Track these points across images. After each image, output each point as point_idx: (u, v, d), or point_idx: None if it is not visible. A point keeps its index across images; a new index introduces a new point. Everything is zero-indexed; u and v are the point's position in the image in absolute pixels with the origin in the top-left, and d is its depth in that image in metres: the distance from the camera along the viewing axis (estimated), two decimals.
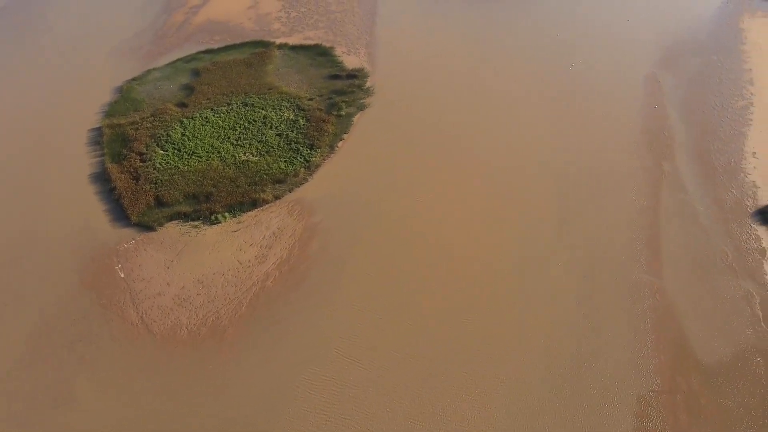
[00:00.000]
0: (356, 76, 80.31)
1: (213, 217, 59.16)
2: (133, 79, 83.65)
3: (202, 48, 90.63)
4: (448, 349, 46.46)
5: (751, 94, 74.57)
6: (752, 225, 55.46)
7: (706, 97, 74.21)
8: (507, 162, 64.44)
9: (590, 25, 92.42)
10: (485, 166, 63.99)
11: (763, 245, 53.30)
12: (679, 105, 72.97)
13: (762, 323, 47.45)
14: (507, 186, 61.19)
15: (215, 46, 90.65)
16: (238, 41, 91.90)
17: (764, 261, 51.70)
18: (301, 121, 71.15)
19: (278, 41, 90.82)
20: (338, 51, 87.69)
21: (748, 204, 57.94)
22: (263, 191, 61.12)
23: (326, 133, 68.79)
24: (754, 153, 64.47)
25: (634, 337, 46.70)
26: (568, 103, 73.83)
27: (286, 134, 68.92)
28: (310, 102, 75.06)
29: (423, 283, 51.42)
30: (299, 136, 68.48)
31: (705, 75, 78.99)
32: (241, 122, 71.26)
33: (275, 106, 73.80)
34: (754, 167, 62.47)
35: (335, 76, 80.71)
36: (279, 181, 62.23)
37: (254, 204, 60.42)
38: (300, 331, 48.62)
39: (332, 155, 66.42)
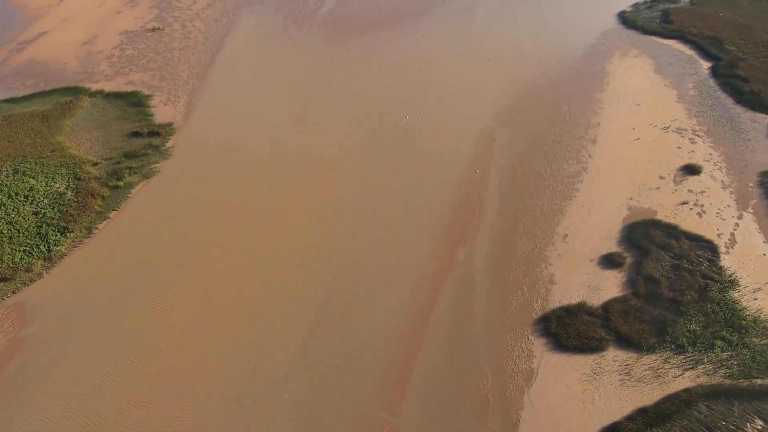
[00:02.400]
0: (159, 133, 71.28)
1: None
2: None
3: (5, 96, 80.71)
4: None
5: (589, 156, 66.72)
6: (530, 336, 47.41)
7: (537, 160, 66.21)
8: (280, 253, 55.71)
9: (446, 66, 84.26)
10: (261, 260, 55.18)
11: (533, 365, 45.24)
12: (504, 170, 64.89)
13: None
14: (266, 289, 52.39)
15: (20, 94, 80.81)
16: (51, 86, 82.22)
17: (527, 389, 43.65)
18: (69, 194, 61.93)
19: (95, 87, 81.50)
20: (156, 100, 78.48)
21: (536, 307, 49.90)
22: None
23: (90, 212, 59.65)
24: (566, 236, 56.49)
25: None
26: (383, 168, 65.54)
27: (44, 213, 59.64)
28: (93, 168, 65.82)
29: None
30: (57, 215, 59.26)
31: (546, 131, 71.04)
32: (1, 197, 61.76)
33: (49, 175, 64.48)
34: (559, 255, 54.47)
35: (136, 134, 71.58)
36: (5, 279, 52.93)
37: None
38: None
39: (86, 241, 57.20)
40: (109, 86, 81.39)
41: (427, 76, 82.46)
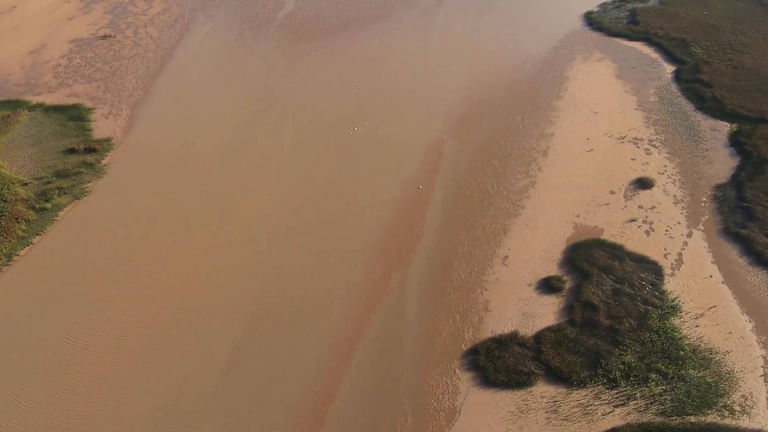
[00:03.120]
0: (95, 149, 68.58)
1: None
2: None
3: None
4: None
5: (539, 169, 64.13)
6: (457, 370, 45.09)
7: (484, 175, 63.64)
8: (206, 282, 53.23)
9: (402, 73, 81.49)
10: (182, 291, 52.66)
11: (457, 403, 42.96)
12: (449, 186, 62.35)
13: None
14: (186, 322, 49.89)
15: None
16: None
17: (447, 430, 41.26)
18: None
19: (36, 100, 78.66)
20: (98, 113, 75.71)
21: (466, 337, 47.56)
22: None
23: (11, 237, 57.11)
24: (506, 258, 54.04)
25: None
26: (324, 186, 63.07)
27: None
28: (22, 189, 63.17)
29: None
30: None
31: (497, 142, 68.39)
32: None
33: None
34: (497, 279, 52.05)
35: (72, 151, 68.84)
36: None
37: None
38: None
39: (5, 269, 54.65)
40: (51, 99, 78.52)
41: (381, 84, 79.66)
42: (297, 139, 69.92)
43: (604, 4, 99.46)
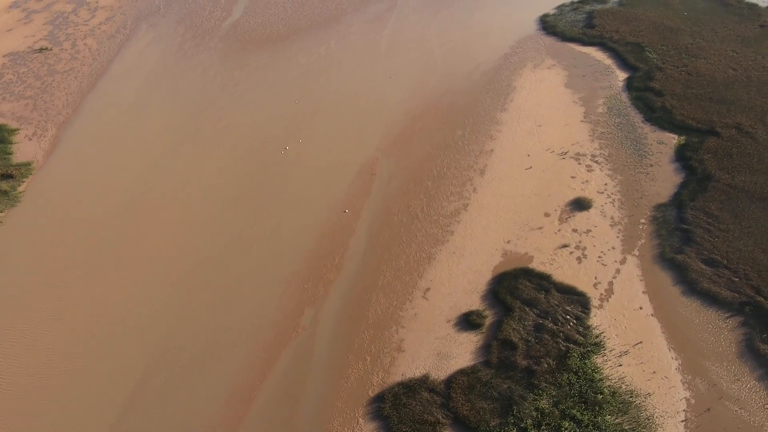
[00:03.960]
0: (13, 175, 65.37)
1: None
2: None
3: None
4: None
5: (474, 190, 61.09)
6: (360, 420, 42.45)
7: (416, 197, 60.60)
8: (112, 321, 50.29)
9: (344, 85, 78.32)
10: (84, 333, 49.72)
11: None
12: (378, 210, 59.34)
13: None
14: (84, 366, 46.97)
15: None
16: None
17: None
18: None
19: None
20: (21, 135, 72.41)
21: (375, 382, 44.83)
22: None
23: None
24: (427, 290, 51.18)
25: None
26: (246, 212, 60.17)
27: None
28: None
29: None
30: None
31: (434, 161, 65.32)
32: None
33: None
34: (415, 314, 49.18)
35: None
36: None
37: None
38: None
39: None
40: None
41: (320, 98, 76.38)
42: (226, 160, 66.77)
43: (562, 6, 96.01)
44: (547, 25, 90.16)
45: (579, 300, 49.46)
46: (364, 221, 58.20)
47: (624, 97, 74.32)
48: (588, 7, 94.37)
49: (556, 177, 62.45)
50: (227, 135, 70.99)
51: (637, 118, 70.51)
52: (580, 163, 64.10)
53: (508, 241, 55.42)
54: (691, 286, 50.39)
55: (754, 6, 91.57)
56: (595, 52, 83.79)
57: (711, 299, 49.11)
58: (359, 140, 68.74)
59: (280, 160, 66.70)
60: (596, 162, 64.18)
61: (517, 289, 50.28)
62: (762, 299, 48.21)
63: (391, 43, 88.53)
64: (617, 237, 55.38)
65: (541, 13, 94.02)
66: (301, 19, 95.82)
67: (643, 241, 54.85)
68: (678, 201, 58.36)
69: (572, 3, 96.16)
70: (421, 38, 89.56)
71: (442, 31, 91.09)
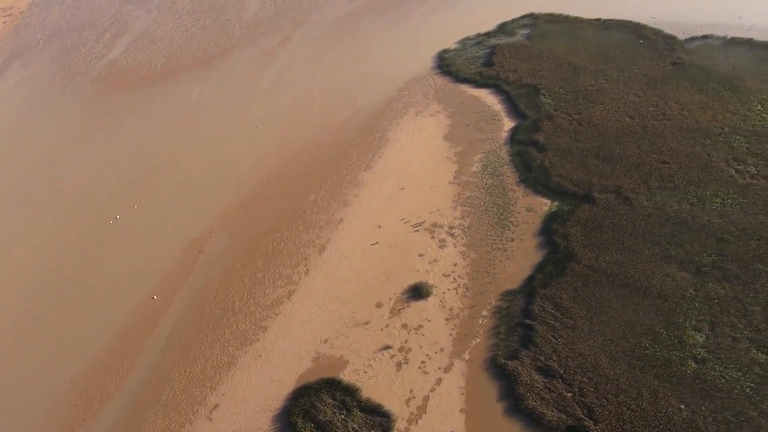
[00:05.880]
0: None
1: None
2: None
3: None
4: None
5: (306, 273, 54.17)
6: None
7: (239, 282, 53.85)
8: None
9: (204, 137, 71.72)
10: None
11: None
12: (192, 298, 52.66)
13: None
14: None
15: None
16: None
17: None
18: None
19: None
20: None
21: None
22: None
23: None
24: (215, 408, 44.43)
25: None
26: (48, 301, 53.76)
27: None
28: None
29: None
30: None
31: (273, 234, 58.58)
32: None
33: None
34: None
35: None
36: None
37: None
38: None
39: None
40: None
41: (175, 153, 69.57)
42: (48, 232, 60.30)
43: (466, 39, 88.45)
44: (444, 63, 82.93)
45: (381, 423, 42.48)
46: (172, 313, 51.39)
47: (504, 152, 67.10)
48: (493, 41, 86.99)
49: (402, 255, 55.42)
50: (61, 199, 64.28)
51: (511, 179, 63.32)
52: (433, 237, 57.03)
53: (325, 341, 48.49)
54: (516, 402, 43.35)
55: (672, 39, 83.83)
56: (486, 96, 76.51)
57: (535, 421, 42.03)
58: (199, 208, 61.89)
59: (106, 231, 59.89)
60: (452, 235, 57.08)
61: (315, 409, 43.44)
62: (590, 424, 41.11)
63: (271, 84, 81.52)
64: (450, 335, 48.39)
65: (441, 48, 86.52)
66: (185, 56, 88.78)
67: (478, 340, 47.89)
68: (529, 288, 51.29)
69: (477, 35, 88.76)
70: (306, 79, 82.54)
71: (331, 69, 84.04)
